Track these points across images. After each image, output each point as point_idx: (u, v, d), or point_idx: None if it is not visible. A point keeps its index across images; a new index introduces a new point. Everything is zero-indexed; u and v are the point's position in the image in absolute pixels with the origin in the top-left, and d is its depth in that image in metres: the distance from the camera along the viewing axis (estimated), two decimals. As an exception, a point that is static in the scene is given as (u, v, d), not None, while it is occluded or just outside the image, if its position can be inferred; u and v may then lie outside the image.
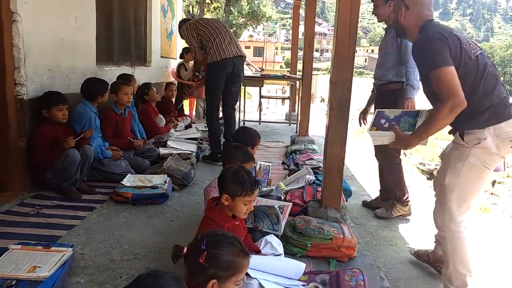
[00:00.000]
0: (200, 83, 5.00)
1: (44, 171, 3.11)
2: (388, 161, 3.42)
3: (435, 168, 7.53)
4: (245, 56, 4.38)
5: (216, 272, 1.33)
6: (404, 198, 3.47)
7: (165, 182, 3.28)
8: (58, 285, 1.88)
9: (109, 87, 3.78)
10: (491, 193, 6.28)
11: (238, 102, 6.68)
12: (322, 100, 19.50)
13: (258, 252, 2.04)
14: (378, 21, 3.41)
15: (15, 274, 1.85)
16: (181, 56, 6.90)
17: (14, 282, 1.80)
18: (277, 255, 2.08)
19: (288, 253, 2.28)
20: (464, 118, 1.99)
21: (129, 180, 3.27)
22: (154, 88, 4.95)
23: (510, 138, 2.01)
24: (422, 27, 2.19)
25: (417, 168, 7.04)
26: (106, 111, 3.90)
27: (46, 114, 3.13)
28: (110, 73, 4.52)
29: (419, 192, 4.46)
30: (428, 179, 6.20)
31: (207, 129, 5.54)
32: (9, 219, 2.69)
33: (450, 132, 2.21)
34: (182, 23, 4.44)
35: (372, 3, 3.30)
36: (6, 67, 2.90)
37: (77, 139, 3.17)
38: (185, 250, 1.44)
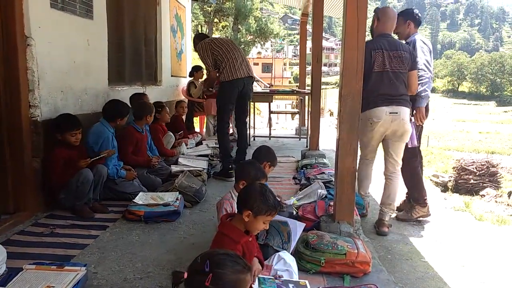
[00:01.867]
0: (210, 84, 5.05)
1: (58, 191, 3.15)
2: (405, 163, 3.51)
3: (449, 180, 7.43)
4: (255, 77, 4.61)
5: None
6: (423, 199, 3.65)
7: (177, 199, 3.29)
8: (72, 305, 1.88)
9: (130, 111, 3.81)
10: (508, 204, 6.15)
11: (248, 118, 6.74)
12: (331, 114, 19.50)
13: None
14: (399, 39, 3.58)
15: (30, 294, 1.85)
16: (191, 74, 7.00)
17: (28, 303, 1.81)
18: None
19: (302, 269, 2.25)
20: None
21: (141, 198, 3.28)
22: (167, 108, 5.01)
23: (368, 119, 3.19)
24: (376, 36, 3.27)
25: (431, 180, 6.95)
26: (127, 128, 4.00)
27: (60, 137, 3.19)
28: (122, 93, 4.59)
29: (433, 205, 4.38)
30: (442, 191, 6.11)
31: (217, 145, 5.57)
32: (23, 239, 2.72)
33: None
34: (198, 39, 4.60)
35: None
36: (21, 90, 2.97)
37: (95, 159, 3.23)
38: (185, 275, 1.38)
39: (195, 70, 6.89)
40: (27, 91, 3.03)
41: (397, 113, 3.13)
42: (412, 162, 3.61)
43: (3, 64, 2.92)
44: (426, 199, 3.67)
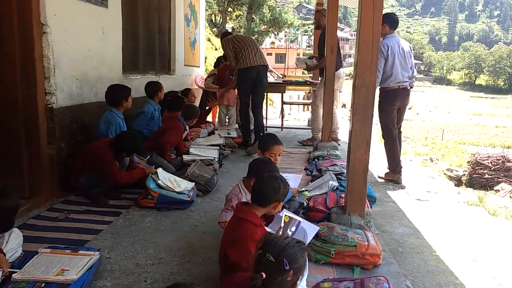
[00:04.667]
0: (231, 83, 5.92)
1: (79, 175, 3.21)
2: (386, 140, 4.57)
3: (463, 175, 7.34)
4: (268, 66, 5.39)
5: (297, 278, 1.54)
6: (393, 168, 4.55)
7: (191, 189, 3.31)
8: (86, 288, 1.93)
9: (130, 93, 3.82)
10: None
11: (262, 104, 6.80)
12: (344, 105, 19.28)
13: None
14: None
15: (45, 277, 1.91)
16: (217, 64, 6.95)
17: (43, 285, 1.87)
18: None
19: (311, 260, 2.27)
20: None
21: (162, 175, 3.26)
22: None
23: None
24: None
25: (444, 174, 6.86)
26: (179, 123, 4.31)
27: (119, 156, 3.28)
28: (136, 82, 4.63)
29: (447, 200, 4.34)
30: (455, 185, 6.04)
31: (229, 135, 5.61)
32: (39, 223, 2.78)
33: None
34: (223, 36, 5.46)
35: None
36: (37, 77, 3.02)
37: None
38: (263, 275, 1.47)
39: (221, 60, 6.77)
40: (43, 78, 3.08)
41: None
42: (390, 140, 4.51)
43: (20, 51, 2.96)
44: (398, 169, 4.53)
